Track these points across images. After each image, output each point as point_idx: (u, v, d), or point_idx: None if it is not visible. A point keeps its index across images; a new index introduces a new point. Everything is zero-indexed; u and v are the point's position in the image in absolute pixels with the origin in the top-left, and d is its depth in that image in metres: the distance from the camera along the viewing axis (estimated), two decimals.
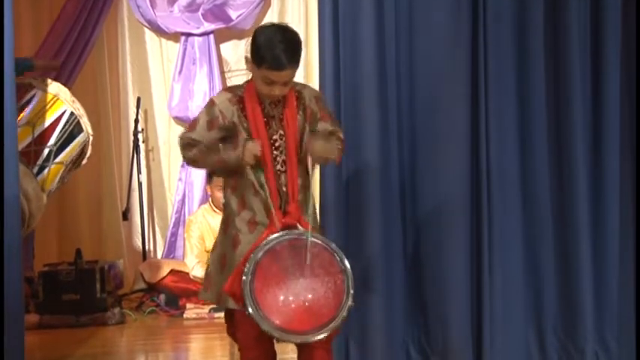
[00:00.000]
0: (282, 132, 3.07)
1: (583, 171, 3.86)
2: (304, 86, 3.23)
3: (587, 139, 3.89)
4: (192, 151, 3.07)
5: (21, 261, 3.59)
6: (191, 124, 3.12)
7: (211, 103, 3.09)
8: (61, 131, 4.44)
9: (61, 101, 4.49)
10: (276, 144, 3.07)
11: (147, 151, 6.72)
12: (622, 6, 3.88)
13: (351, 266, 2.97)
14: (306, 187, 3.14)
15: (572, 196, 3.87)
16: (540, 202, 3.89)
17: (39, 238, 6.02)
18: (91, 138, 4.63)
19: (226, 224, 3.14)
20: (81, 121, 4.55)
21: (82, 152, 4.67)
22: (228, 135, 3.06)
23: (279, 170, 3.06)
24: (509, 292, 3.84)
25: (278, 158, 3.06)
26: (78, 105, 4.55)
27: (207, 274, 3.21)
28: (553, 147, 3.90)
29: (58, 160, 4.41)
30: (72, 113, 4.50)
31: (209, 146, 3.04)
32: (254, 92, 3.06)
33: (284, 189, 3.06)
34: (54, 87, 4.53)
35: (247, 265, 2.90)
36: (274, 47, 2.94)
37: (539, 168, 3.89)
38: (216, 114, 3.05)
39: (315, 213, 3.22)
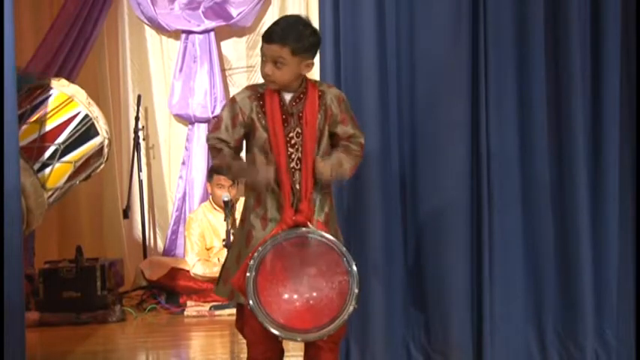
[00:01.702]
0: (299, 130, 3.09)
1: (583, 168, 3.85)
2: (329, 87, 3.25)
3: (587, 135, 3.88)
4: (216, 160, 3.17)
5: (22, 258, 3.59)
6: (215, 123, 3.18)
7: (232, 101, 3.15)
8: (71, 131, 4.43)
9: (75, 102, 4.48)
10: (292, 141, 3.09)
11: (147, 149, 6.72)
12: (622, 3, 3.87)
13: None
14: (325, 186, 3.16)
15: (572, 193, 3.86)
16: (540, 199, 3.89)
17: (39, 236, 6.02)
18: (107, 141, 4.62)
19: (243, 220, 3.19)
20: (96, 124, 4.54)
21: (99, 155, 4.65)
22: (250, 131, 3.11)
23: (293, 168, 3.08)
24: (509, 290, 3.84)
25: (293, 156, 3.08)
26: (94, 108, 4.55)
27: (223, 269, 3.24)
28: (553, 143, 3.89)
29: (65, 159, 4.40)
30: (86, 115, 4.50)
31: (229, 165, 3.12)
32: (275, 90, 3.10)
33: (297, 187, 3.08)
34: (71, 89, 4.53)
35: (252, 261, 2.91)
36: (276, 23, 3.08)
37: (539, 165, 3.88)
38: (236, 111, 3.10)
39: (332, 213, 3.23)
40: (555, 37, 3.88)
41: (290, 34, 3.02)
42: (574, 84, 3.84)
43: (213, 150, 3.16)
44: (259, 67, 3.12)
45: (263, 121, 3.08)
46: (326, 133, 3.15)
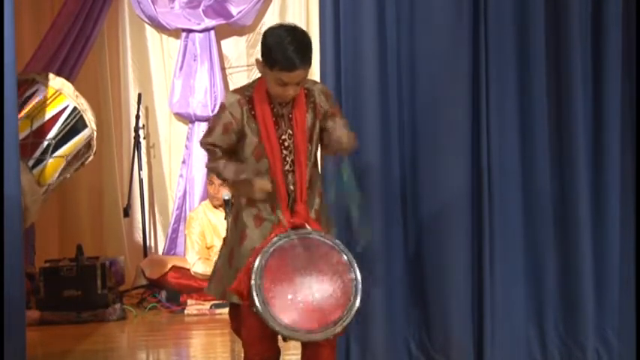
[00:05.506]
0: (290, 131, 3.08)
1: (584, 167, 3.86)
2: (314, 83, 3.23)
3: (588, 136, 3.89)
4: (211, 165, 3.15)
5: (22, 257, 3.59)
6: (208, 129, 3.16)
7: (222, 107, 3.12)
8: (61, 125, 4.42)
9: (63, 96, 4.47)
10: (285, 144, 3.08)
11: (148, 148, 6.72)
12: (623, 3, 3.87)
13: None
14: (315, 184, 3.16)
15: (573, 193, 3.87)
16: (541, 198, 3.89)
17: (40, 234, 6.03)
18: (95, 133, 4.62)
19: (235, 219, 3.17)
20: (84, 116, 4.52)
21: (88, 148, 4.64)
22: (242, 136, 3.09)
23: (287, 170, 3.08)
24: (510, 290, 3.84)
25: (287, 158, 3.08)
26: (82, 100, 4.53)
27: (215, 268, 3.23)
28: (554, 144, 3.90)
29: (58, 154, 4.39)
30: (75, 108, 4.48)
31: (222, 172, 3.10)
32: (264, 92, 3.07)
33: (292, 188, 3.07)
34: (57, 82, 4.52)
35: (256, 264, 2.91)
36: (285, 48, 2.94)
37: (540, 165, 3.89)
38: (228, 118, 3.07)
39: (321, 207, 3.22)
40: (556, 38, 3.88)
41: (306, 53, 2.98)
42: (575, 83, 3.84)
43: (209, 152, 3.15)
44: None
45: (253, 125, 3.06)
46: (317, 130, 3.14)
